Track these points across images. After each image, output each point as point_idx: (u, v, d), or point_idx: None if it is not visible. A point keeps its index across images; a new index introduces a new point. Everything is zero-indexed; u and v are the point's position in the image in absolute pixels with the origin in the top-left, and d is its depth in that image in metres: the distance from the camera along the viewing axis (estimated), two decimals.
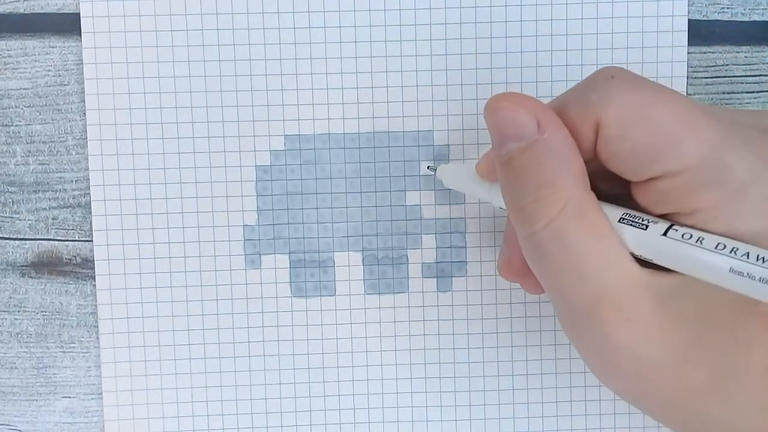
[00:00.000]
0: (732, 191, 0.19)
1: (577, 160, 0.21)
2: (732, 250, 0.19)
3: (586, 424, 0.30)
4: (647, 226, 0.21)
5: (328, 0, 0.29)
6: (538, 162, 0.21)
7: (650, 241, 0.20)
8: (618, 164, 0.21)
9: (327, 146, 0.29)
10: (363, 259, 0.30)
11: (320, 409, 0.30)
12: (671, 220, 0.21)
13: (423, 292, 0.30)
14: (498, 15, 0.29)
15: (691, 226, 0.20)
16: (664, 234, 0.20)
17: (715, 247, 0.19)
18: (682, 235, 0.20)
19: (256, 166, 0.29)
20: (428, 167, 0.29)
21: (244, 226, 0.29)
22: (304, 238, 0.30)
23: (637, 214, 0.21)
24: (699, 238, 0.20)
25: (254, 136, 0.29)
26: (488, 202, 0.29)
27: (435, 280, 0.30)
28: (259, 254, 0.30)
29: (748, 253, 0.19)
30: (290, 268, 0.30)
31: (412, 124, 0.29)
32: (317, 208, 0.29)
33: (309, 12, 0.29)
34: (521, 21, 0.29)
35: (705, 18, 0.30)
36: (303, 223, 0.29)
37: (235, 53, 0.29)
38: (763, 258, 0.18)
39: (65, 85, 0.29)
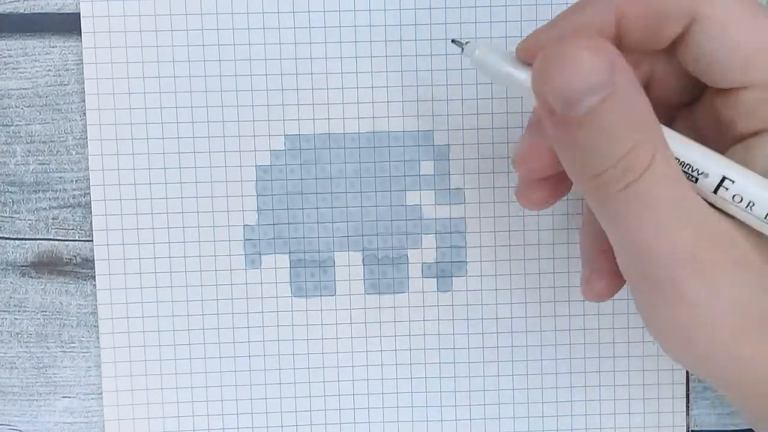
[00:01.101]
0: None
1: (648, 100, 0.19)
2: None
3: (586, 424, 0.30)
4: (697, 180, 0.19)
5: (328, 0, 0.29)
6: (626, 108, 0.18)
7: (702, 192, 0.19)
8: (704, 67, 0.19)
9: (327, 146, 0.29)
10: (363, 259, 0.30)
11: (320, 409, 0.30)
12: (756, 137, 0.19)
13: (423, 292, 0.30)
14: (498, 15, 0.29)
15: (748, 165, 0.19)
16: (715, 192, 0.19)
17: (765, 218, 0.18)
18: (733, 197, 0.19)
19: (256, 165, 0.29)
20: (453, 40, 0.25)
21: (244, 225, 0.29)
22: (304, 237, 0.30)
23: (687, 161, 0.19)
24: (750, 203, 0.19)
25: (254, 135, 0.29)
26: (520, 92, 0.24)
27: (435, 280, 0.30)
28: (259, 254, 0.30)
29: None
30: (290, 267, 0.30)
31: (412, 124, 0.29)
32: (317, 208, 0.30)
33: (309, 12, 0.29)
34: (521, 21, 0.29)
35: None
36: (303, 222, 0.30)
37: (235, 53, 0.29)
38: None
39: (65, 85, 0.29)
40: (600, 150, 0.18)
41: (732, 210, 0.19)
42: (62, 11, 0.29)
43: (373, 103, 0.29)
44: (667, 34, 0.19)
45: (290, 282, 0.30)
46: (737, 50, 0.19)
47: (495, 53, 0.23)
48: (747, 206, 0.19)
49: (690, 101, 0.21)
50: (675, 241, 0.19)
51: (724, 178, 0.19)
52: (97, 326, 0.30)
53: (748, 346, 0.19)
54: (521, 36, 0.29)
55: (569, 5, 0.29)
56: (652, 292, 0.20)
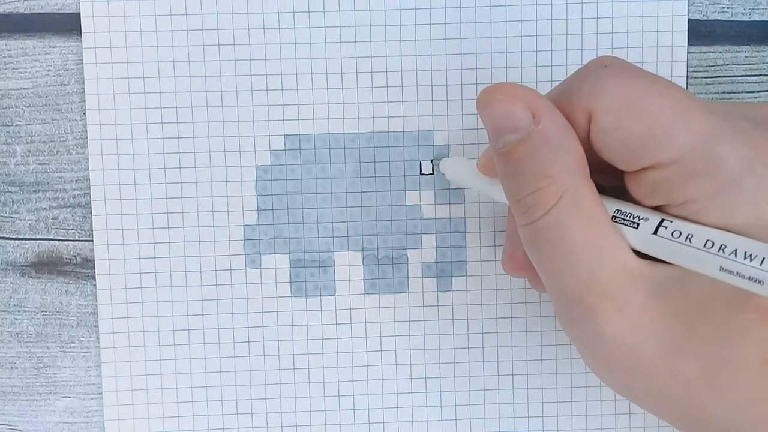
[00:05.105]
0: (723, 182, 0.19)
1: (576, 148, 0.21)
2: (720, 248, 0.19)
3: (586, 425, 0.30)
4: (638, 225, 0.21)
5: (328, 0, 0.29)
6: (535, 153, 0.21)
7: (642, 239, 0.20)
8: (610, 154, 0.21)
9: (327, 146, 0.29)
10: (363, 259, 0.30)
11: (320, 410, 0.30)
12: (664, 211, 0.21)
13: (423, 291, 0.30)
14: (498, 15, 0.29)
15: (684, 218, 0.20)
16: (654, 232, 0.20)
17: (704, 246, 0.19)
18: (672, 233, 0.20)
19: (256, 165, 0.29)
20: (431, 161, 0.29)
21: (244, 225, 0.29)
22: (304, 237, 0.30)
23: (629, 210, 0.21)
24: (688, 235, 0.19)
25: (254, 135, 0.29)
26: (490, 198, 0.29)
27: (435, 279, 0.30)
28: (259, 254, 0.30)
29: (735, 250, 0.19)
30: (290, 267, 0.30)
31: (412, 124, 0.29)
32: (317, 208, 0.30)
33: (309, 12, 0.29)
34: (521, 21, 0.29)
35: (705, 18, 0.30)
36: (303, 222, 0.30)
37: (235, 53, 0.29)
38: (751, 255, 0.18)
39: (65, 84, 0.29)
40: (513, 182, 0.21)
41: (669, 250, 0.20)
42: (62, 11, 0.29)
43: (373, 103, 0.29)
44: (579, 134, 0.21)
45: (290, 282, 0.30)
46: (628, 139, 0.20)
47: (461, 166, 0.27)
48: (686, 239, 0.19)
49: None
50: (585, 275, 0.20)
51: (663, 220, 0.20)
52: (97, 326, 0.30)
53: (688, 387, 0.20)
54: (521, 35, 0.29)
55: (568, 6, 0.29)
56: (572, 323, 0.21)
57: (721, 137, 0.19)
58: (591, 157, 0.21)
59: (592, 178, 0.21)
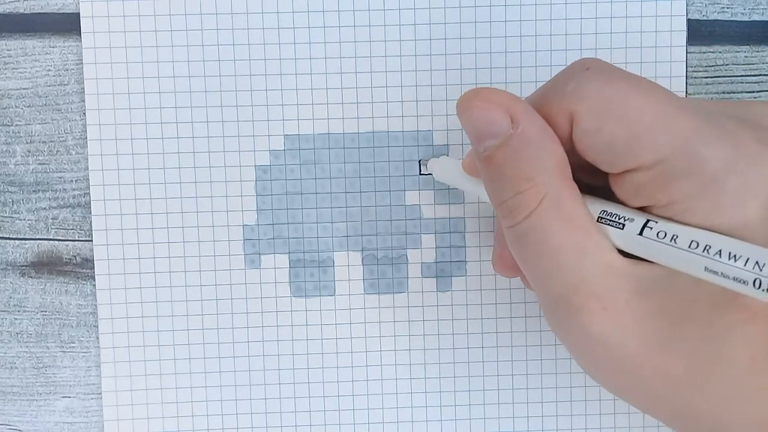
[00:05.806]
0: (706, 182, 0.19)
1: (556, 150, 0.21)
2: (705, 248, 0.19)
3: (585, 424, 0.30)
4: (624, 226, 0.21)
5: (327, 0, 0.29)
6: (515, 157, 0.21)
7: (628, 239, 0.21)
8: (593, 156, 0.21)
9: (326, 146, 0.29)
10: (362, 259, 0.30)
11: (320, 410, 0.30)
12: (649, 212, 0.21)
13: (422, 291, 0.30)
14: (497, 15, 0.29)
15: (669, 218, 0.20)
16: (640, 233, 0.20)
17: (689, 246, 0.19)
18: (657, 234, 0.20)
19: (255, 165, 0.29)
20: (419, 161, 0.29)
21: (243, 225, 0.29)
22: (303, 237, 0.30)
23: (615, 211, 0.21)
24: (673, 236, 0.20)
25: (254, 135, 0.29)
26: (477, 198, 0.29)
27: (434, 279, 0.30)
28: (259, 254, 0.30)
29: (720, 251, 0.19)
30: (290, 267, 0.30)
31: (411, 124, 0.29)
32: (317, 208, 0.30)
33: (308, 12, 0.29)
34: (520, 21, 0.29)
35: (705, 18, 0.30)
36: (302, 222, 0.30)
37: (235, 53, 0.29)
38: (735, 256, 0.18)
39: (65, 84, 0.29)
40: (495, 185, 0.22)
41: (654, 250, 0.20)
42: (62, 11, 0.29)
43: (372, 103, 0.29)
44: (562, 136, 0.21)
45: (290, 282, 0.30)
46: (610, 141, 0.20)
47: (447, 167, 0.27)
48: (671, 239, 0.20)
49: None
50: (569, 276, 0.20)
51: (648, 221, 0.20)
52: (97, 326, 0.30)
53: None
54: (521, 35, 0.29)
55: (567, 6, 0.29)
56: (559, 323, 0.22)
57: (704, 137, 0.19)
58: (576, 157, 0.21)
59: (579, 178, 0.21)
